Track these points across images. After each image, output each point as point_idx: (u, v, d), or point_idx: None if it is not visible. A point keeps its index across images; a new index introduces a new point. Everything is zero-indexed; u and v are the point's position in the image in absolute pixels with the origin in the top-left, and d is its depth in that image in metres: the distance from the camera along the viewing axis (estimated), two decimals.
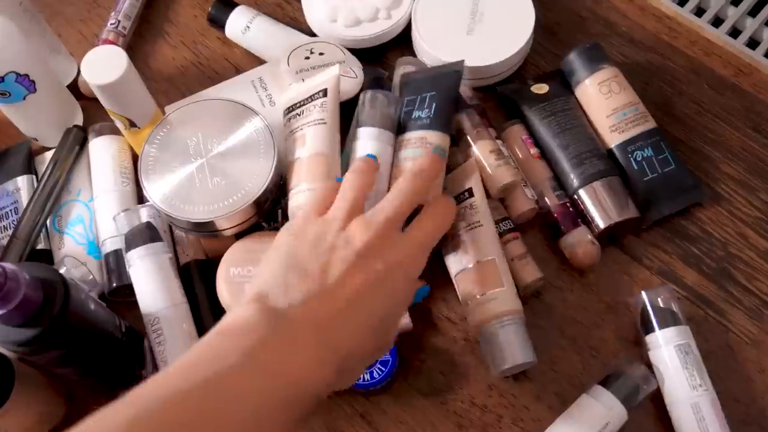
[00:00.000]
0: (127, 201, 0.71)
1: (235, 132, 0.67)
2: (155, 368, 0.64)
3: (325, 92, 0.69)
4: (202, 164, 0.66)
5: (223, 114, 0.68)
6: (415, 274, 0.53)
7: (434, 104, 0.68)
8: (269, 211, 0.68)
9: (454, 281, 0.66)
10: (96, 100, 0.76)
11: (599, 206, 0.68)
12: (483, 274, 0.64)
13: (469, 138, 0.70)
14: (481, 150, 0.69)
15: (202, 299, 0.67)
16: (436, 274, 0.67)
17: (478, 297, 0.63)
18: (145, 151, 0.67)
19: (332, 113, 0.68)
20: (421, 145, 0.66)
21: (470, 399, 0.65)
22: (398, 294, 0.52)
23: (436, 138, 0.66)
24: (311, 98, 0.69)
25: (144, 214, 0.68)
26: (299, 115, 0.68)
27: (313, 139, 0.66)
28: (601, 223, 0.68)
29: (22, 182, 0.75)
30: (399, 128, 0.69)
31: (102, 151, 0.73)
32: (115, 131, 0.74)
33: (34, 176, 0.76)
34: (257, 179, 0.65)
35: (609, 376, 0.62)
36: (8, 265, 0.50)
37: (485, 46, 0.74)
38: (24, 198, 0.74)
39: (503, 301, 0.63)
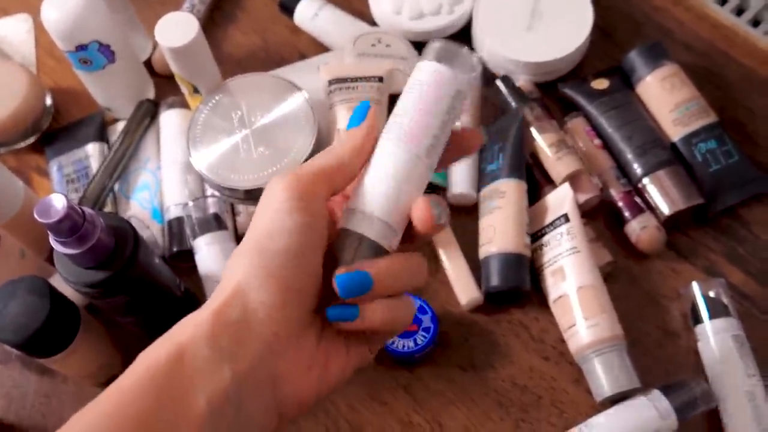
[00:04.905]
0: (192, 171, 0.75)
1: (278, 105, 0.71)
2: None
3: (381, 79, 0.73)
4: (246, 135, 0.70)
5: (268, 89, 0.73)
6: None
7: (502, 155, 0.71)
8: None
9: (551, 307, 0.67)
10: (167, 77, 0.81)
11: (664, 194, 0.69)
12: (583, 301, 0.65)
13: (533, 130, 0.72)
14: (546, 141, 0.71)
15: None
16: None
17: (578, 324, 0.64)
18: (194, 120, 0.71)
19: (384, 98, 0.73)
20: (498, 195, 0.69)
21: (511, 379, 0.66)
22: None
23: (510, 187, 0.69)
24: (366, 78, 0.73)
25: (212, 205, 0.71)
26: (351, 89, 0.72)
27: None
28: (666, 210, 0.69)
29: (93, 149, 0.79)
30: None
31: (172, 123, 0.77)
32: (186, 105, 0.78)
33: (105, 144, 0.80)
34: (300, 149, 0.69)
35: (670, 386, 0.61)
36: (87, 209, 0.54)
37: (544, 43, 0.76)
38: (94, 164, 0.78)
39: (604, 328, 0.63)
